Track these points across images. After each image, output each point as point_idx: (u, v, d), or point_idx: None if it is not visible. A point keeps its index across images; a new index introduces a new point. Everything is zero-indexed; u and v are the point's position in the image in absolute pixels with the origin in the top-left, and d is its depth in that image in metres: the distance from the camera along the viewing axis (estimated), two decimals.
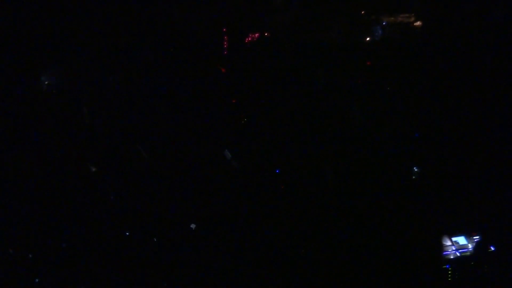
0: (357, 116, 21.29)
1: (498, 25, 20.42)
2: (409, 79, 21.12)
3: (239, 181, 20.97)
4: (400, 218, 20.14)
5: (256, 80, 21.69)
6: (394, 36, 21.61)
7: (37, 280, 19.54)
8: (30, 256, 19.69)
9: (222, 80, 22.03)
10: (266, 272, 19.81)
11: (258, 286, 19.85)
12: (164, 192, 20.66)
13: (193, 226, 20.37)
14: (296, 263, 19.87)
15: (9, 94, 20.42)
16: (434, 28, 21.30)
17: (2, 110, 20.28)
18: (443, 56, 20.85)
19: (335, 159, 20.87)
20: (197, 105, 21.44)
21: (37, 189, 20.12)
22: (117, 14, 20.82)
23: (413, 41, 21.43)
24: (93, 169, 20.72)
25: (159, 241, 20.23)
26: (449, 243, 20.14)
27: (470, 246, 20.15)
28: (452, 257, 20.02)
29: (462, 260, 19.99)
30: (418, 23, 21.53)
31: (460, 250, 20.04)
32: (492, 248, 20.00)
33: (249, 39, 21.95)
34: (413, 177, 20.90)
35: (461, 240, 20.17)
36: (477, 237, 20.17)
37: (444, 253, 20.04)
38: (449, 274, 19.90)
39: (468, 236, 20.21)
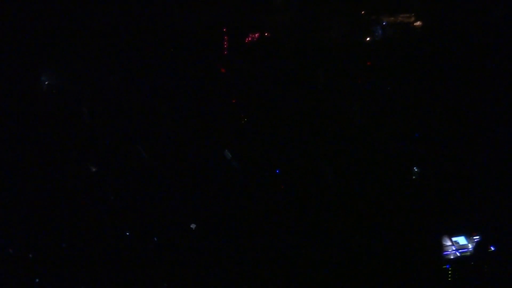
0: (357, 116, 21.29)
1: (498, 25, 20.43)
2: (409, 79, 21.10)
3: (239, 181, 20.95)
4: (400, 218, 20.14)
5: (256, 80, 21.67)
6: (394, 36, 21.61)
7: (37, 280, 19.54)
8: (30, 256, 19.70)
9: (222, 80, 22.00)
10: (266, 272, 19.81)
11: (258, 286, 19.86)
12: (164, 192, 20.67)
13: (193, 226, 20.36)
14: (296, 263, 19.86)
15: (9, 94, 20.40)
16: (434, 28, 21.30)
17: (2, 110, 20.27)
18: (443, 56, 20.84)
19: (335, 159, 20.87)
20: (197, 105, 21.44)
21: (37, 189, 20.12)
22: (117, 14, 20.81)
23: (413, 41, 21.42)
24: (93, 169, 20.71)
25: (159, 241, 20.23)
26: (449, 243, 20.15)
27: (470, 246, 20.16)
28: (452, 257, 20.03)
29: (462, 260, 20.00)
30: (418, 23, 21.53)
31: (460, 250, 20.05)
32: (492, 248, 20.00)
33: (249, 39, 21.94)
34: (413, 177, 20.90)
35: (461, 240, 20.18)
36: (477, 237, 20.18)
37: (444, 253, 20.05)
38: (449, 274, 19.91)
39: (468, 236, 20.21)
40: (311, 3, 21.80)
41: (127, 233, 20.31)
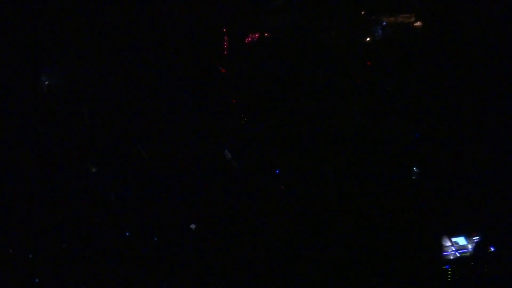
0: (357, 116, 21.28)
1: (498, 25, 20.43)
2: (409, 79, 21.11)
3: (239, 181, 20.96)
4: (400, 218, 20.15)
5: (256, 80, 21.68)
6: (394, 36, 21.60)
7: (37, 280, 19.56)
8: (30, 256, 19.71)
9: (222, 80, 22.01)
10: (266, 272, 19.82)
11: (258, 286, 19.86)
12: (164, 192, 20.67)
13: (193, 226, 20.37)
14: (296, 263, 19.87)
15: (9, 94, 20.41)
16: (434, 28, 21.29)
17: (2, 110, 20.28)
18: (443, 56, 20.84)
19: (335, 159, 20.87)
20: (197, 105, 21.44)
21: (37, 189, 20.13)
22: (117, 14, 20.82)
23: (413, 41, 21.41)
24: (93, 169, 20.72)
25: (159, 241, 20.24)
26: (449, 243, 20.15)
27: (470, 246, 20.17)
28: (452, 257, 20.04)
29: (462, 261, 20.01)
30: (418, 23, 21.52)
31: (460, 251, 20.06)
32: (492, 249, 20.00)
33: (249, 39, 21.94)
34: (413, 177, 20.90)
35: (461, 240, 20.20)
36: (477, 237, 20.19)
37: (444, 253, 20.05)
38: (449, 274, 19.92)
39: (468, 236, 20.22)
40: (311, 4, 21.80)
41: (127, 233, 20.29)
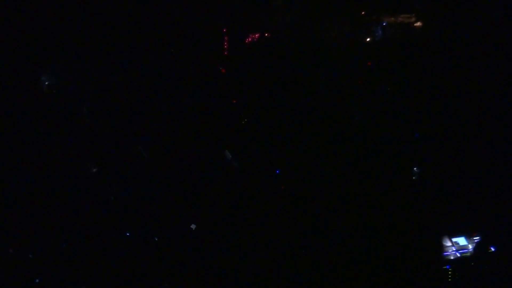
0: (357, 117, 21.29)
1: (498, 25, 20.43)
2: (409, 79, 21.13)
3: (239, 182, 20.95)
4: (400, 218, 20.14)
5: (257, 80, 21.68)
6: (395, 37, 21.60)
7: (37, 280, 19.54)
8: (30, 256, 19.70)
9: (223, 80, 22.01)
10: (266, 272, 19.81)
11: (258, 286, 19.85)
12: (165, 192, 20.66)
13: (193, 226, 20.36)
14: (296, 263, 19.86)
15: (9, 94, 20.41)
16: (435, 28, 21.30)
17: (2, 110, 20.28)
18: (444, 56, 20.85)
19: (336, 159, 20.87)
20: (197, 105, 21.44)
21: (37, 189, 20.12)
22: (117, 14, 20.83)
23: (414, 41, 21.41)
24: (94, 169, 20.72)
25: (160, 241, 20.23)
26: (449, 243, 20.13)
27: (470, 246, 20.15)
28: (452, 257, 20.02)
29: (462, 261, 19.98)
30: (418, 23, 21.53)
31: (460, 251, 20.04)
32: (492, 249, 19.99)
33: (250, 39, 21.94)
34: (413, 177, 20.89)
35: (462, 240, 20.18)
36: (477, 237, 20.17)
37: (445, 253, 20.04)
38: (449, 274, 19.90)
39: (469, 236, 20.20)
40: (311, 4, 21.81)
41: (127, 233, 20.28)
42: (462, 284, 19.85)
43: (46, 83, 20.99)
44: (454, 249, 20.06)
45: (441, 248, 20.07)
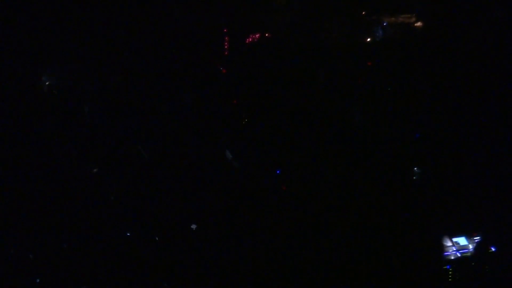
0: (357, 116, 21.29)
1: (498, 25, 20.43)
2: (409, 79, 21.12)
3: (240, 182, 20.96)
4: (401, 218, 20.13)
5: (257, 80, 21.69)
6: (395, 37, 21.61)
7: (37, 280, 19.57)
8: (31, 256, 19.72)
9: (223, 80, 22.03)
10: (266, 272, 19.80)
11: (258, 286, 19.85)
12: (165, 192, 20.68)
13: (193, 226, 20.37)
14: (296, 263, 19.85)
15: (10, 94, 20.46)
16: (435, 28, 21.31)
17: (3, 110, 20.33)
18: (444, 56, 20.86)
19: (336, 159, 20.86)
20: (197, 105, 21.46)
21: (38, 189, 20.14)
22: (118, 14, 20.86)
23: (414, 41, 21.42)
24: (94, 170, 20.74)
25: (160, 241, 20.25)
26: (450, 243, 20.12)
27: (470, 246, 20.13)
28: (452, 257, 20.00)
29: (463, 261, 19.97)
30: (418, 23, 21.54)
31: (460, 251, 20.02)
32: (493, 249, 19.97)
33: (250, 39, 21.96)
34: (414, 177, 20.88)
35: (462, 240, 20.16)
36: (478, 237, 20.15)
37: (445, 253, 20.02)
38: (450, 274, 19.88)
39: (469, 236, 20.18)
40: (311, 4, 21.83)
41: (128, 233, 20.30)
42: (463, 284, 19.82)
43: (47, 83, 21.03)
44: (454, 249, 20.04)
45: (442, 248, 20.04)
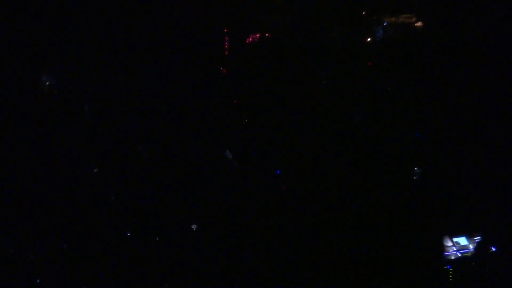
0: (358, 116, 21.29)
1: (498, 25, 20.43)
2: (410, 79, 21.12)
3: (240, 182, 20.95)
4: (401, 218, 20.11)
5: (257, 80, 21.69)
6: (395, 37, 21.61)
7: (37, 280, 19.56)
8: (31, 256, 19.72)
9: (223, 80, 22.03)
10: (266, 272, 19.79)
11: (258, 286, 19.84)
12: (165, 192, 20.67)
13: (194, 226, 20.36)
14: (296, 263, 19.84)
15: (10, 94, 20.46)
16: (435, 28, 21.31)
17: (3, 110, 20.33)
18: (444, 56, 20.86)
19: (336, 159, 20.85)
20: (198, 105, 21.46)
21: (38, 189, 20.14)
22: (118, 14, 20.87)
23: (414, 41, 21.42)
24: (94, 170, 20.74)
25: (160, 241, 20.24)
26: (450, 243, 20.11)
27: (471, 246, 20.13)
28: (453, 257, 19.99)
29: (463, 261, 19.96)
30: (419, 23, 21.54)
31: (461, 251, 20.01)
32: (493, 249, 19.96)
33: (250, 39, 21.97)
34: (414, 177, 20.87)
35: (462, 240, 20.16)
36: (478, 237, 20.14)
37: (446, 253, 20.01)
38: (450, 274, 19.87)
39: (469, 236, 20.17)
40: (311, 4, 21.83)
41: (128, 233, 20.29)
42: (463, 283, 19.81)
43: (47, 83, 21.04)
44: (455, 249, 20.03)
45: (442, 248, 20.03)
